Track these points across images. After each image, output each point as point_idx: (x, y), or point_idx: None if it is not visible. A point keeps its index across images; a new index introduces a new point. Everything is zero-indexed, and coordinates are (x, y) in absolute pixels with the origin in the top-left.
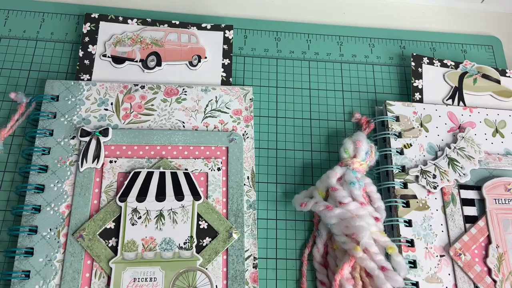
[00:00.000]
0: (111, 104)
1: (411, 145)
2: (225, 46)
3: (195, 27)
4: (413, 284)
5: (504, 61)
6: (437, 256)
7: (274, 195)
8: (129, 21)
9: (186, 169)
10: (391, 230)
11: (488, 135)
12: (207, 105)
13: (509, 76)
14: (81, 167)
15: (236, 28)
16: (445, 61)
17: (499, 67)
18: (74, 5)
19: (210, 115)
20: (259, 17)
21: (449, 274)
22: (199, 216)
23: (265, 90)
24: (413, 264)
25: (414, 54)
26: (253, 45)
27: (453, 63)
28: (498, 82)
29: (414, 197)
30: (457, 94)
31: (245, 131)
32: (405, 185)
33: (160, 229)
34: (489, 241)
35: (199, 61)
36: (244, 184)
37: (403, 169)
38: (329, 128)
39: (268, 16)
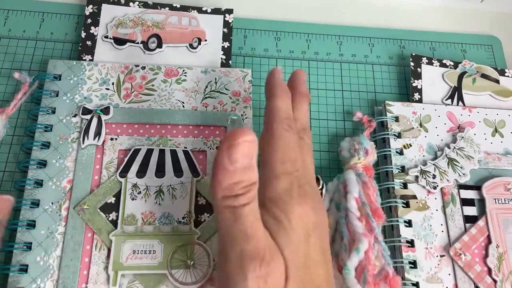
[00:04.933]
0: (112, 84)
1: (410, 145)
2: (225, 30)
3: (195, 11)
4: (413, 284)
5: (504, 61)
6: (437, 256)
7: None
8: (130, 3)
9: (185, 148)
10: (391, 230)
11: (488, 134)
12: (206, 86)
13: (508, 76)
14: (83, 144)
15: (236, 28)
16: (444, 61)
17: (499, 67)
18: (74, 5)
19: (210, 96)
20: (259, 17)
21: (449, 274)
22: (197, 192)
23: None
24: (413, 264)
25: (413, 54)
26: (253, 45)
27: (452, 63)
28: (497, 81)
29: (414, 197)
30: (456, 94)
31: (243, 112)
32: (405, 186)
33: (159, 204)
34: (489, 241)
35: (199, 43)
36: None
37: (403, 169)
38: (329, 128)
39: (268, 16)
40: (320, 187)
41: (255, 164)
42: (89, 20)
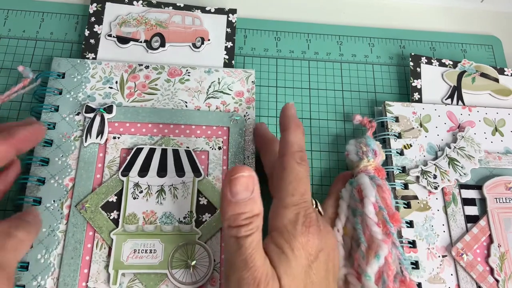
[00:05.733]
0: (116, 82)
1: (411, 145)
2: (228, 29)
3: (199, 10)
4: (416, 285)
5: (504, 61)
6: (439, 256)
7: None
8: (134, 2)
9: (188, 147)
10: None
11: (488, 134)
12: (209, 86)
13: (507, 75)
14: (85, 142)
15: (235, 28)
16: (443, 61)
17: (499, 67)
18: (74, 5)
19: (213, 96)
20: (259, 17)
21: (451, 275)
22: (199, 192)
23: (265, 90)
24: (415, 265)
25: (412, 54)
26: (253, 45)
27: (451, 62)
28: (497, 80)
29: (415, 197)
30: (456, 93)
31: (246, 112)
32: (406, 186)
33: (160, 203)
34: (490, 240)
35: (202, 43)
36: (244, 163)
37: (404, 170)
38: (329, 128)
39: (268, 16)
40: (315, 206)
41: (257, 197)
42: (92, 19)
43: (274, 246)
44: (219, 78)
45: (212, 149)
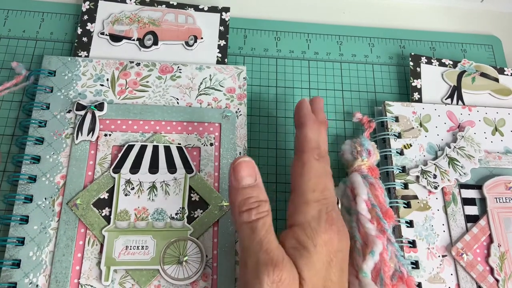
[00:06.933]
0: (107, 80)
1: (411, 145)
2: (222, 28)
3: (192, 8)
4: (416, 285)
5: (504, 61)
6: (439, 256)
7: (274, 195)
8: (127, 0)
9: (179, 144)
10: (393, 231)
11: (488, 133)
12: (201, 83)
13: (507, 74)
14: (76, 139)
15: (235, 28)
16: (443, 60)
17: (499, 66)
18: (74, 5)
19: (204, 92)
20: (259, 17)
21: (451, 274)
22: (191, 189)
23: (264, 89)
24: (415, 265)
25: (412, 53)
26: (253, 45)
27: (451, 62)
28: (497, 80)
29: (415, 197)
30: (456, 93)
31: (238, 109)
32: (405, 186)
33: (152, 200)
34: (490, 240)
35: (195, 41)
36: None
37: (404, 169)
38: (329, 128)
39: (268, 16)
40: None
41: (261, 185)
42: (85, 17)
43: (295, 241)
44: (210, 75)
45: (204, 145)
